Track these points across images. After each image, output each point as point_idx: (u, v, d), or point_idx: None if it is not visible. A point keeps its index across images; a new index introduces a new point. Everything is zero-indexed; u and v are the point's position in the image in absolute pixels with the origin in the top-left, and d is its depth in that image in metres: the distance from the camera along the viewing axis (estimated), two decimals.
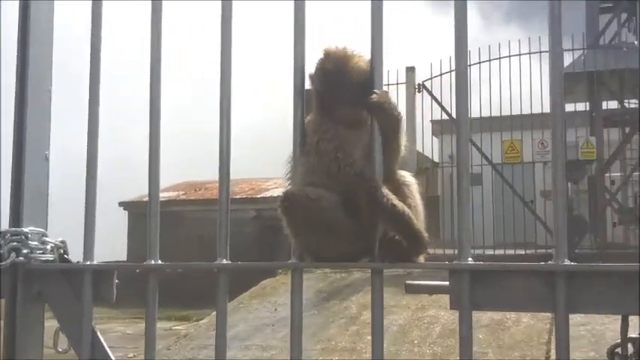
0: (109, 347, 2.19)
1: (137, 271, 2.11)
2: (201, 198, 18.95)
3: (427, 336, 7.65)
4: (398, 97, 12.85)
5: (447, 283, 1.77)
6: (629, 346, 1.65)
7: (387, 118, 1.87)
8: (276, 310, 9.15)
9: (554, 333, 6.57)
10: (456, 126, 1.82)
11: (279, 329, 8.16)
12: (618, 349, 1.62)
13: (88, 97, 2.11)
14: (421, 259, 1.87)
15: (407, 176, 2.03)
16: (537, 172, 13.38)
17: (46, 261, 2.17)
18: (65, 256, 2.22)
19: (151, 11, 2.07)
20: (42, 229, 2.19)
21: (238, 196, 19.82)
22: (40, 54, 2.20)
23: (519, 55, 12.80)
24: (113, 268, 2.13)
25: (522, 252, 12.45)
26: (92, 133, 2.12)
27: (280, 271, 10.41)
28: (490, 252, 12.27)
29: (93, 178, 2.13)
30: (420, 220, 1.92)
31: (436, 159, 16.55)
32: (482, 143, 13.00)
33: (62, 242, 2.21)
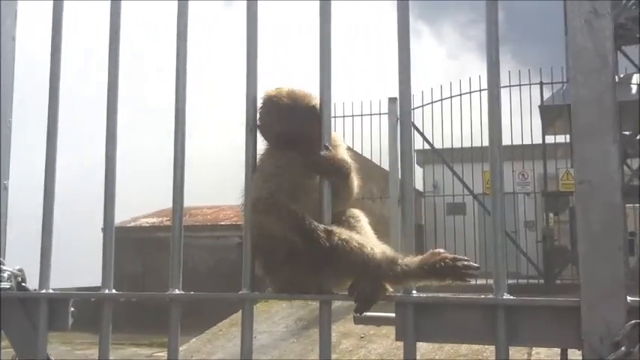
0: None
1: (92, 299, 2.12)
2: (184, 224, 18.92)
3: None
4: (381, 127, 12.99)
5: (393, 314, 1.81)
6: None
7: (334, 175, 1.91)
8: (255, 337, 9.09)
9: None
10: (401, 155, 1.87)
11: (258, 357, 8.10)
12: None
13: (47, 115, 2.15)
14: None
15: (357, 214, 2.06)
16: (519, 203, 13.48)
17: (3, 289, 2.18)
18: (23, 284, 2.22)
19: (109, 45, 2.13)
20: None
21: (223, 223, 19.80)
22: (1, 85, 2.23)
23: (504, 87, 12.98)
24: (68, 297, 2.13)
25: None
26: (50, 157, 2.16)
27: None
28: (472, 282, 12.27)
29: (49, 201, 2.15)
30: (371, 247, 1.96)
31: (420, 188, 16.63)
32: (463, 173, 13.11)
33: (20, 270, 2.22)
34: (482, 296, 1.72)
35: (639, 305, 1.54)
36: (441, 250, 1.80)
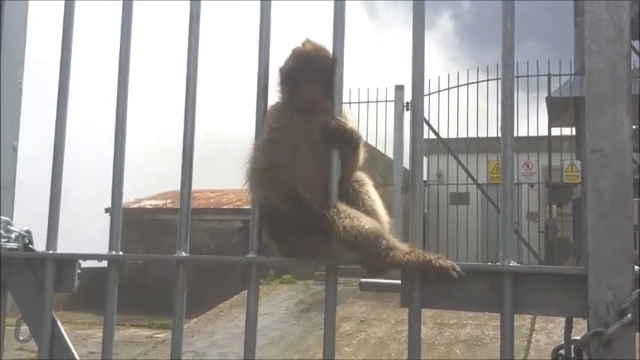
0: (91, 353, 2.20)
1: (99, 261, 2.13)
2: None
3: (405, 350, 7.66)
4: (387, 115, 12.96)
5: (399, 281, 1.81)
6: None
7: (343, 146, 1.90)
8: None
9: (529, 350, 6.52)
10: (412, 143, 1.87)
11: (258, 338, 8.11)
12: (562, 351, 1.65)
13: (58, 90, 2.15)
14: None
15: (363, 177, 2.06)
16: (523, 193, 13.47)
17: (10, 249, 2.19)
18: (30, 245, 2.23)
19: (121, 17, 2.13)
20: (7, 218, 2.21)
21: (225, 207, 19.84)
22: (13, 46, 2.23)
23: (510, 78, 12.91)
24: (76, 258, 2.14)
25: None
26: (60, 121, 2.16)
27: (262, 280, 10.42)
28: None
29: (59, 166, 2.16)
30: (380, 222, 1.97)
31: (424, 177, 16.64)
32: (468, 163, 13.10)
33: (27, 232, 2.23)
34: (489, 263, 1.72)
35: None
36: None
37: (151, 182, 20.28)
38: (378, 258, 1.78)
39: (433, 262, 1.71)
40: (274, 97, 2.01)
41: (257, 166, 1.94)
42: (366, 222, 1.81)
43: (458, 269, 1.70)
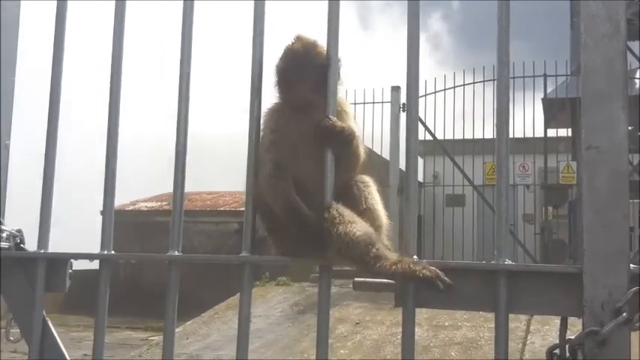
0: (85, 356, 2.18)
1: (91, 261, 2.11)
2: (184, 209, 19.00)
3: (400, 352, 7.64)
4: (383, 116, 12.95)
5: (393, 281, 1.79)
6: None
7: (335, 144, 1.88)
8: (251, 321, 9.12)
9: (524, 352, 6.49)
10: (406, 146, 1.86)
11: (253, 341, 8.12)
12: (556, 350, 1.64)
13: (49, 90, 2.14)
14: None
15: (367, 179, 2.06)
16: (519, 195, 13.47)
17: (1, 249, 2.16)
18: (21, 245, 2.21)
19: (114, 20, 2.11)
20: None
21: (222, 209, 19.81)
22: (6, 43, 2.21)
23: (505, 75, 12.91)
24: (67, 257, 2.12)
25: None
26: (52, 117, 2.15)
27: (258, 282, 10.40)
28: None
29: (50, 165, 2.14)
30: (380, 224, 1.96)
31: (420, 178, 16.64)
32: (464, 164, 13.09)
33: (18, 231, 2.21)
34: (484, 262, 1.71)
35: None
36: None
37: (147, 184, 20.27)
38: (366, 266, 1.78)
39: (417, 273, 1.69)
40: (270, 96, 2.00)
41: (264, 172, 1.94)
42: (358, 228, 1.80)
43: (444, 278, 1.68)
